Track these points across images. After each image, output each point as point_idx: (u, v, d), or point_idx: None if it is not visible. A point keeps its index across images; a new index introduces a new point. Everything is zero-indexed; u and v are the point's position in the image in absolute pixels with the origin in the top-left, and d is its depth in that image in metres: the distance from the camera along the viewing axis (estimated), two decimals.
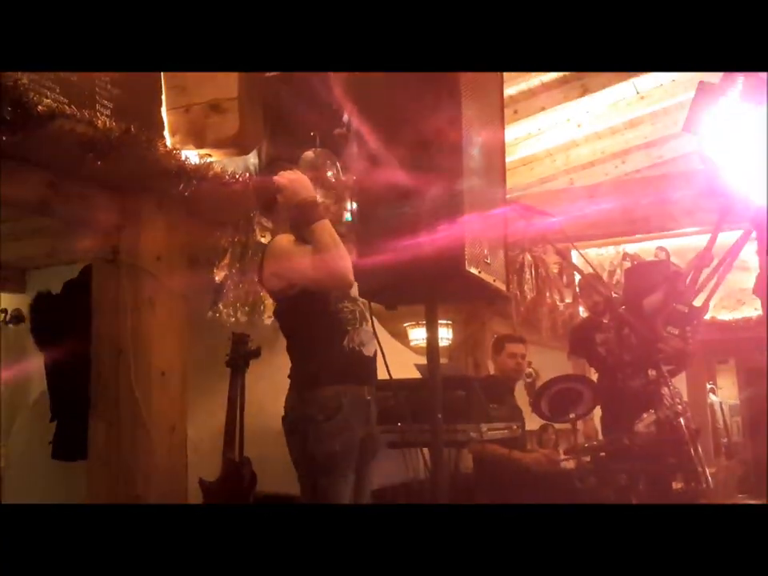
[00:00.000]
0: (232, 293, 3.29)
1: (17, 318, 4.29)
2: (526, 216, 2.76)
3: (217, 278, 3.26)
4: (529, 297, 5.14)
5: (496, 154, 1.88)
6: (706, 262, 3.14)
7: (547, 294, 5.33)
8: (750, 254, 3.28)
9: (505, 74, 1.95)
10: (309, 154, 2.50)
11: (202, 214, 3.19)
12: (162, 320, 2.98)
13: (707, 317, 3.95)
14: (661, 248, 5.83)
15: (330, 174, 2.45)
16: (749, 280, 4.12)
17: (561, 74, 4.65)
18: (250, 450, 3.36)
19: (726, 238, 3.17)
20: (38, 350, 3.48)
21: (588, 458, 3.52)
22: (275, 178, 2.37)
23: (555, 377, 4.17)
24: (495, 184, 1.86)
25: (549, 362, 6.06)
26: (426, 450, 2.34)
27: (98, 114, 2.55)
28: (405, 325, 6.62)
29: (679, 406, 2.93)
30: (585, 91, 4.72)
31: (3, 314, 4.36)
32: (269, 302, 3.28)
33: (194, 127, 2.92)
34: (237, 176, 3.02)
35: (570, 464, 3.84)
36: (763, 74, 2.35)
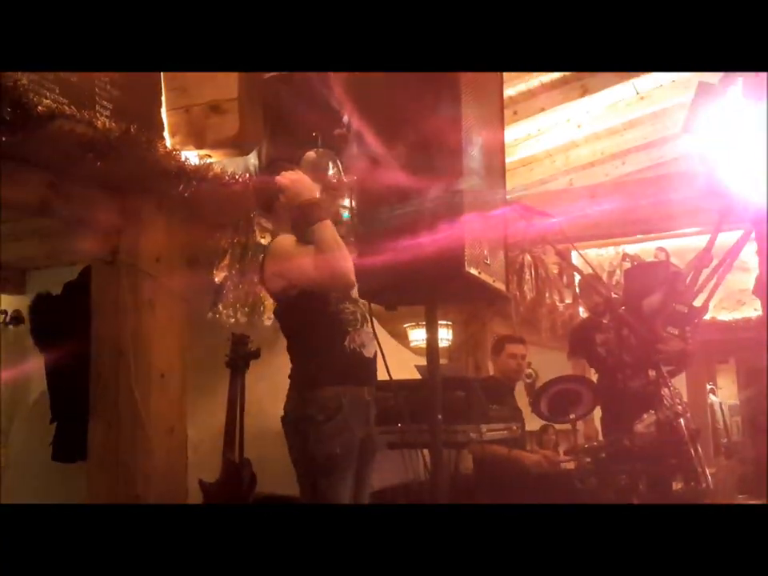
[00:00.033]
0: (232, 294, 3.29)
1: (17, 319, 4.29)
2: (525, 216, 2.75)
3: (216, 279, 3.26)
4: (528, 297, 5.13)
5: (496, 154, 1.88)
6: (706, 262, 3.14)
7: (547, 295, 5.32)
8: (749, 255, 3.28)
9: (504, 75, 1.95)
10: (311, 154, 2.49)
11: (201, 215, 3.18)
12: (161, 321, 2.97)
13: (707, 317, 3.95)
14: (660, 249, 5.82)
15: (331, 172, 2.45)
16: (749, 280, 4.13)
17: (560, 74, 4.65)
18: (249, 451, 3.35)
19: (726, 239, 3.17)
20: (38, 351, 3.48)
21: (588, 459, 3.52)
22: (277, 178, 2.37)
23: (555, 377, 4.16)
24: (495, 185, 1.86)
25: (549, 363, 6.06)
26: (425, 450, 2.34)
27: (97, 114, 2.54)
28: (405, 326, 6.62)
29: (679, 407, 2.93)
30: (584, 92, 4.72)
31: (3, 315, 4.36)
32: (268, 303, 3.27)
33: (194, 128, 2.92)
34: (237, 177, 3.01)
35: (570, 465, 3.83)
36: (763, 73, 2.35)
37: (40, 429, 3.50)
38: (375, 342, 2.40)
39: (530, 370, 4.82)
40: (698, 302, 3.16)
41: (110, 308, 2.93)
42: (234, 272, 3.25)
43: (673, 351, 3.05)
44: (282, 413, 2.37)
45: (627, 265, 5.95)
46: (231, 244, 3.24)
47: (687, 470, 2.85)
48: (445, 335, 6.00)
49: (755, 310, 6.25)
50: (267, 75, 3.04)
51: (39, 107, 2.25)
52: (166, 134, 2.91)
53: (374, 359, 2.42)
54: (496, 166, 1.88)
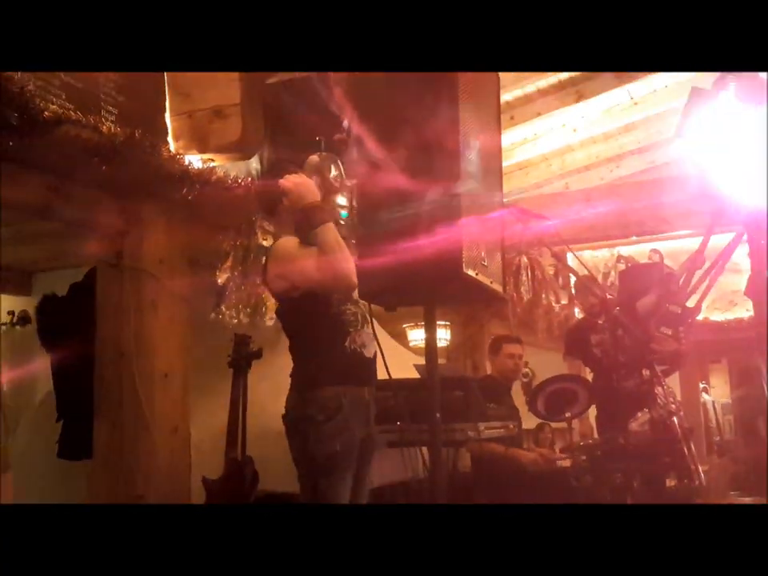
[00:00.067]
0: (234, 295, 3.29)
1: (23, 319, 4.29)
2: (522, 219, 2.75)
3: (219, 281, 3.26)
4: (525, 298, 5.14)
5: (493, 158, 1.88)
6: (699, 264, 3.15)
7: (543, 296, 5.33)
8: (741, 257, 3.27)
9: (501, 80, 1.95)
10: (314, 158, 2.49)
11: (204, 218, 3.19)
12: (164, 322, 2.97)
13: (700, 318, 3.96)
14: (654, 250, 5.85)
15: (333, 174, 2.45)
16: (741, 282, 4.12)
17: (556, 80, 4.66)
18: (252, 450, 3.35)
19: (719, 241, 3.17)
20: (44, 350, 3.48)
21: (584, 457, 3.52)
22: (281, 181, 2.37)
23: (551, 377, 4.17)
24: (492, 188, 1.86)
25: (545, 363, 6.06)
26: (424, 449, 2.34)
27: (102, 119, 2.55)
28: (404, 326, 6.62)
29: (673, 405, 2.93)
30: (580, 97, 4.73)
31: (10, 316, 4.36)
32: (270, 304, 3.28)
33: (197, 133, 2.92)
34: (239, 180, 3.01)
35: (566, 462, 3.83)
36: (756, 75, 2.35)
37: (46, 427, 3.50)
38: (375, 343, 2.41)
39: (526, 370, 4.83)
40: (691, 303, 3.16)
41: (114, 309, 2.94)
42: (236, 274, 3.25)
43: (666, 351, 3.06)
44: (283, 411, 2.37)
45: (622, 266, 5.97)
46: (234, 246, 3.24)
47: (681, 467, 2.85)
48: (443, 335, 6.00)
49: (747, 310, 6.25)
50: (269, 81, 3.04)
51: (46, 112, 2.25)
52: (169, 138, 2.92)
53: (374, 359, 2.42)
54: (493, 170, 1.88)
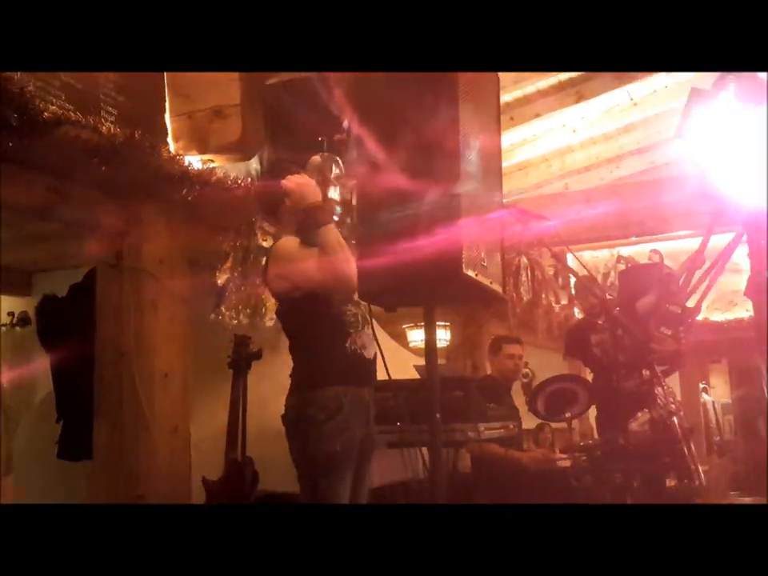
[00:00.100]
0: (234, 296, 3.29)
1: (23, 320, 4.28)
2: (522, 220, 2.75)
3: (219, 282, 3.26)
4: (525, 299, 5.13)
5: (493, 159, 1.88)
6: (699, 264, 3.14)
7: (543, 296, 5.32)
8: (741, 257, 3.27)
9: (501, 81, 1.94)
10: (316, 158, 2.49)
11: (204, 219, 3.18)
12: (164, 323, 2.97)
13: (700, 318, 3.94)
14: (654, 251, 5.84)
15: (335, 174, 2.44)
16: (740, 282, 4.12)
17: (556, 81, 4.65)
18: (252, 450, 3.35)
19: (718, 241, 3.16)
20: (44, 351, 3.48)
21: (584, 457, 3.52)
22: (283, 181, 2.36)
23: (551, 377, 4.16)
24: (492, 188, 1.85)
25: (545, 363, 6.05)
26: (424, 449, 2.33)
27: (102, 120, 2.54)
28: (404, 326, 6.61)
29: (672, 405, 2.93)
30: (579, 98, 4.72)
31: (10, 317, 4.35)
32: (270, 305, 3.27)
33: (197, 133, 2.92)
34: (239, 181, 3.01)
35: (566, 463, 3.83)
36: (755, 76, 2.35)
37: (46, 428, 3.50)
38: (375, 344, 2.40)
39: (526, 370, 4.82)
40: (690, 303, 3.15)
41: (114, 309, 2.93)
42: (236, 274, 3.25)
43: (666, 351, 3.05)
44: (283, 412, 2.37)
45: (622, 267, 5.97)
46: (233, 247, 3.24)
47: (680, 467, 2.84)
48: (443, 336, 6.00)
49: (747, 310, 6.24)
50: (269, 81, 3.04)
51: (45, 113, 2.25)
52: (169, 139, 2.91)
53: (373, 360, 2.42)
54: (493, 170, 1.87)
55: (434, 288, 1.75)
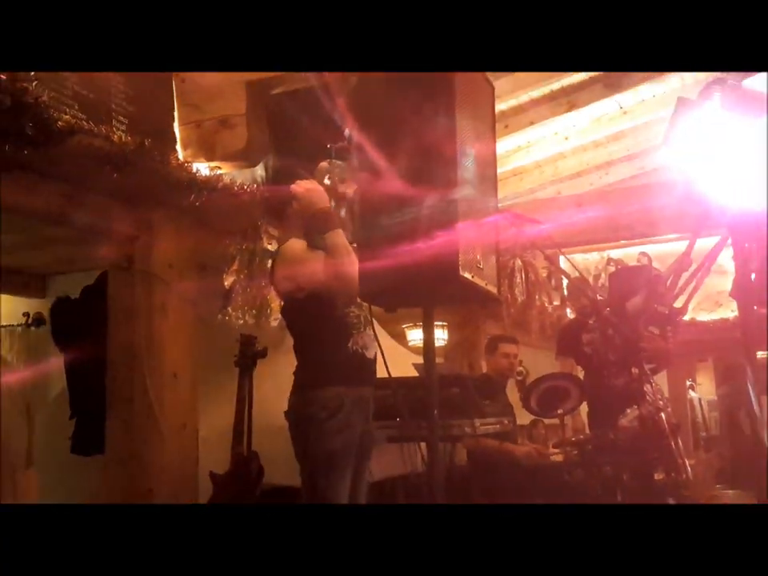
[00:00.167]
0: (240, 297, 3.29)
1: (38, 321, 4.29)
2: (516, 224, 2.75)
3: (226, 284, 3.26)
4: (519, 300, 5.13)
5: (488, 165, 1.88)
6: (685, 266, 3.14)
7: (536, 297, 5.32)
8: (726, 259, 3.26)
9: (495, 90, 1.94)
10: (324, 164, 2.50)
11: (211, 224, 3.19)
12: (173, 324, 2.97)
13: (687, 318, 3.95)
14: (643, 253, 5.84)
15: (341, 180, 2.45)
16: (726, 283, 4.12)
17: (549, 90, 4.66)
18: (257, 445, 3.35)
19: (704, 244, 3.16)
20: (58, 351, 3.48)
21: (575, 452, 3.52)
22: (292, 186, 2.37)
23: (544, 375, 4.16)
24: (488, 194, 1.86)
25: (538, 362, 6.05)
26: (423, 444, 2.33)
27: (114, 129, 2.55)
28: (403, 326, 6.61)
29: (660, 402, 2.93)
30: (571, 107, 4.72)
31: (26, 318, 4.37)
32: (275, 305, 3.28)
33: (205, 141, 2.93)
34: (245, 187, 3.02)
35: (558, 457, 3.83)
36: (739, 86, 2.35)
37: (60, 424, 3.50)
38: (376, 344, 2.40)
39: (521, 368, 4.81)
40: (678, 304, 3.15)
41: (125, 311, 2.94)
42: (242, 277, 3.25)
43: (655, 350, 3.05)
44: (286, 409, 2.37)
45: (612, 269, 5.97)
46: (240, 250, 3.25)
47: (668, 461, 2.85)
48: (441, 336, 5.99)
49: (732, 311, 6.24)
50: (273, 91, 3.04)
51: (59, 123, 2.25)
52: (178, 147, 2.92)
53: (374, 360, 2.42)
54: (488, 176, 1.88)
55: (433, 289, 1.75)
